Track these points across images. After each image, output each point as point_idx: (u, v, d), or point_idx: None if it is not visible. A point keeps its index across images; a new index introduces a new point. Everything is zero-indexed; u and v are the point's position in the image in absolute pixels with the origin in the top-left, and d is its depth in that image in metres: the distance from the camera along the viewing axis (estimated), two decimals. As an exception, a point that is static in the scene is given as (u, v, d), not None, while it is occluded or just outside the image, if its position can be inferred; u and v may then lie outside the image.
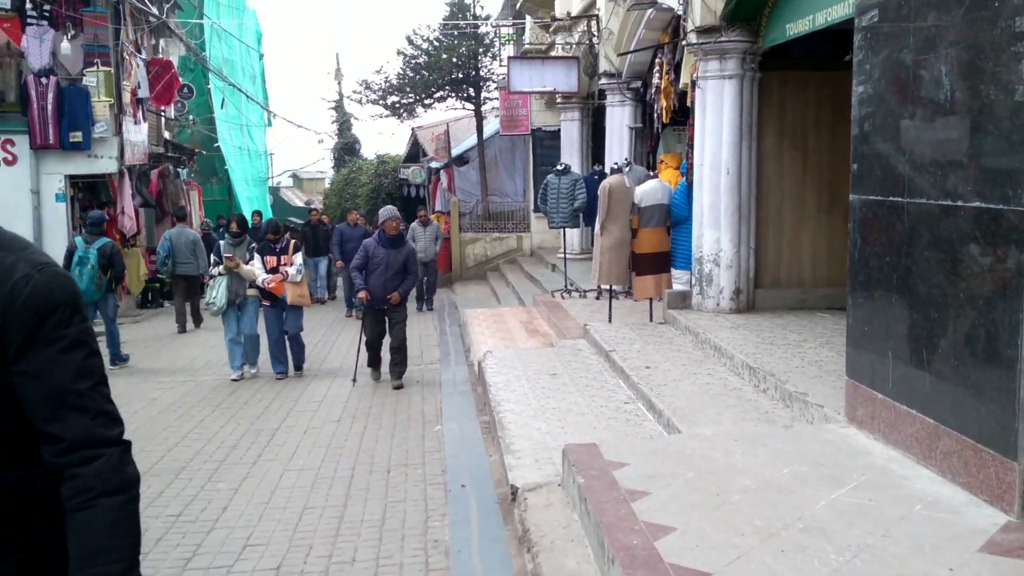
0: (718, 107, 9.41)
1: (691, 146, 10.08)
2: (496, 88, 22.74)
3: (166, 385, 10.20)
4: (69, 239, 16.41)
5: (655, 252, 10.03)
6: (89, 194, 17.86)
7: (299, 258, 10.21)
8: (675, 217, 10.19)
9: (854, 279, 5.48)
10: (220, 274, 10.20)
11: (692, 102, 9.94)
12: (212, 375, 10.69)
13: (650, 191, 9.96)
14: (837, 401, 6.01)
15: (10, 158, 16.30)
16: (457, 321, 14.44)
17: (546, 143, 21.44)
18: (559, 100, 18.72)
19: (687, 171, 10.30)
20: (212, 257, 10.51)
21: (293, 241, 10.33)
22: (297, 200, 44.94)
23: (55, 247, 16.33)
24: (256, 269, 10.09)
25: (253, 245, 10.35)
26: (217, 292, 10.17)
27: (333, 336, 13.95)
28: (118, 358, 11.48)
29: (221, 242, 10.57)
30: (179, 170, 24.45)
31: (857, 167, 5.42)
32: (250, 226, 19.49)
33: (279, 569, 4.95)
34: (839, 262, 10.04)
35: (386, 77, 24.00)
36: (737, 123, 9.39)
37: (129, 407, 9.11)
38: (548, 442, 6.41)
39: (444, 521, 5.58)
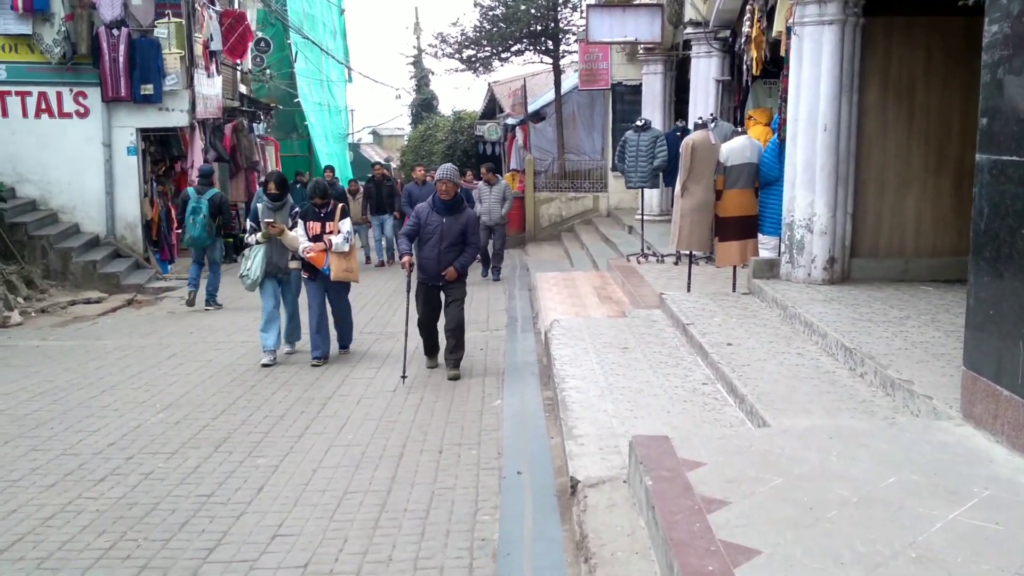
0: (816, 56, 8.50)
1: (784, 100, 9.19)
2: (575, 41, 21.84)
3: (224, 347, 9.83)
4: (140, 192, 16.36)
5: (741, 216, 9.22)
6: (161, 147, 17.70)
7: (347, 225, 8.81)
8: (764, 178, 9.35)
9: (979, 253, 4.67)
10: (258, 242, 8.87)
11: (787, 51, 9.04)
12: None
13: (737, 149, 9.13)
14: (948, 392, 5.24)
15: (82, 110, 16.16)
16: (527, 285, 13.83)
17: (627, 98, 20.53)
18: (641, 52, 17.78)
19: (779, 127, 9.43)
20: (248, 223, 9.08)
21: (341, 206, 8.93)
22: (377, 156, 44.71)
23: (126, 200, 16.30)
24: (299, 236, 8.78)
25: (296, 209, 9.00)
26: (252, 263, 8.85)
27: (393, 307, 12.31)
28: (213, 301, 12.56)
29: (259, 205, 9.08)
30: (255, 124, 24.25)
31: (987, 121, 4.59)
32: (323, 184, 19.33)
33: (306, 567, 4.44)
34: (946, 230, 9.17)
35: (462, 30, 23.31)
36: (837, 74, 8.48)
37: (182, 369, 8.77)
38: (615, 427, 5.77)
39: (495, 515, 5.00)
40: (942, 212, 9.16)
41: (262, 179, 12.23)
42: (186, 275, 16.02)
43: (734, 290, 9.44)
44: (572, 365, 7.32)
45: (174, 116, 16.56)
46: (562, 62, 22.88)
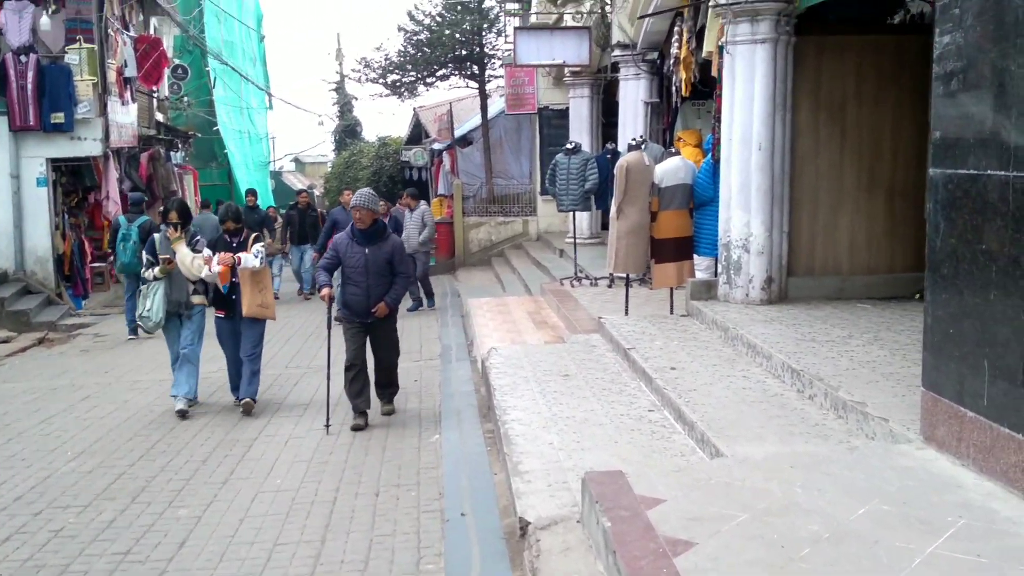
0: (749, 75, 8.42)
1: (718, 120, 9.10)
2: (501, 66, 21.69)
3: (141, 386, 9.28)
4: (51, 225, 15.60)
5: (677, 237, 9.08)
6: (73, 178, 16.94)
7: (260, 248, 7.88)
8: (699, 198, 9.23)
9: (936, 271, 4.53)
10: (155, 278, 7.98)
11: (719, 70, 8.96)
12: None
13: (671, 170, 9.00)
14: (903, 413, 5.10)
15: (-12, 141, 15.36)
16: (460, 311, 13.51)
17: (554, 122, 20.45)
18: (567, 76, 17.72)
19: (713, 147, 9.33)
20: (145, 256, 8.19)
21: (255, 235, 8.01)
22: (299, 184, 43.98)
23: (36, 234, 15.52)
24: (195, 260, 7.80)
25: (198, 238, 8.09)
26: (153, 303, 7.97)
27: (320, 339, 10.60)
28: (134, 332, 12.15)
29: (156, 235, 8.23)
30: (172, 153, 23.53)
31: (940, 135, 4.46)
32: (243, 208, 18.64)
33: (235, 633, 4.04)
34: (879, 248, 9.18)
35: (386, 54, 22.97)
36: (770, 93, 8.41)
37: (95, 412, 8.23)
38: (562, 460, 5.49)
39: (439, 564, 4.66)
40: (875, 230, 9.15)
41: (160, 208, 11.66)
42: (101, 311, 15.44)
43: (671, 312, 9.28)
44: (512, 395, 7.03)
45: (87, 145, 15.88)
46: (488, 87, 22.73)
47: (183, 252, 7.90)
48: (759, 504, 3.91)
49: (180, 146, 24.81)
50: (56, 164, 15.95)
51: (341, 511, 5.48)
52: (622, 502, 3.99)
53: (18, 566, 4.83)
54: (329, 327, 7.67)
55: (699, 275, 9.56)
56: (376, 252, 7.38)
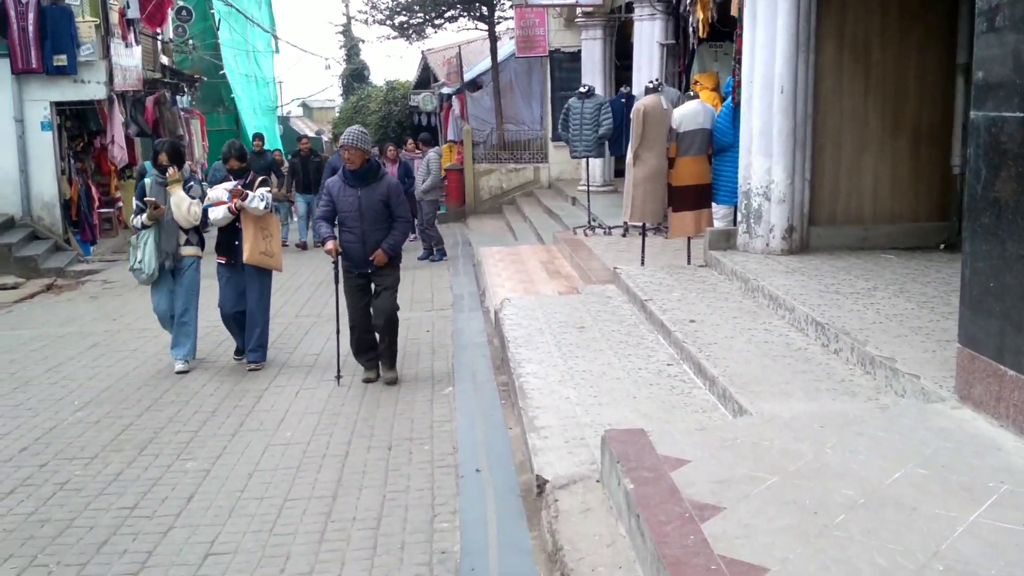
0: (771, 13, 8.09)
1: (738, 61, 8.78)
2: (511, 7, 21.18)
3: (150, 334, 9.13)
4: (57, 170, 15.38)
5: (695, 184, 8.82)
6: (77, 122, 16.66)
7: (266, 192, 7.48)
8: (718, 144, 8.95)
9: (975, 220, 4.29)
10: (144, 225, 7.40)
11: (740, 9, 8.62)
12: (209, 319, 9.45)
13: (690, 114, 8.70)
14: (935, 370, 4.90)
15: (-10, 84, 15.09)
16: (471, 260, 13.31)
17: (565, 66, 20.03)
18: (580, 17, 17.27)
19: (733, 90, 9.02)
20: (135, 202, 7.60)
21: (261, 178, 7.61)
22: (307, 130, 43.59)
23: (42, 179, 15.32)
24: (191, 206, 7.42)
25: (191, 184, 7.66)
26: (144, 253, 7.40)
27: (325, 296, 10.55)
28: None
29: (147, 180, 7.64)
30: (178, 97, 23.20)
31: (983, 75, 4.19)
32: (249, 152, 18.20)
33: (245, 593, 3.92)
34: (903, 195, 8.90)
35: (394, -5, 22.48)
36: (793, 32, 8.09)
37: (103, 360, 8.10)
38: (580, 416, 5.33)
39: (454, 521, 4.52)
40: (900, 176, 8.87)
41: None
42: (110, 257, 15.30)
43: (689, 262, 9.06)
44: (527, 347, 6.86)
45: (90, 88, 15.59)
46: (498, 29, 22.22)
47: (179, 195, 7.43)
48: (789, 466, 3.74)
49: (186, 90, 24.46)
50: (60, 108, 15.68)
51: (353, 465, 5.35)
52: (645, 462, 3.83)
53: (22, 520, 4.72)
54: (337, 280, 7.27)
55: (717, 224, 9.32)
56: (370, 194, 6.91)
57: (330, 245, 6.99)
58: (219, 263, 7.68)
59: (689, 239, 9.12)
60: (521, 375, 6.18)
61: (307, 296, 11.00)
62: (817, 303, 6.53)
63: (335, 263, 7.13)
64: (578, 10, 16.85)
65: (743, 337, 6.29)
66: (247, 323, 7.63)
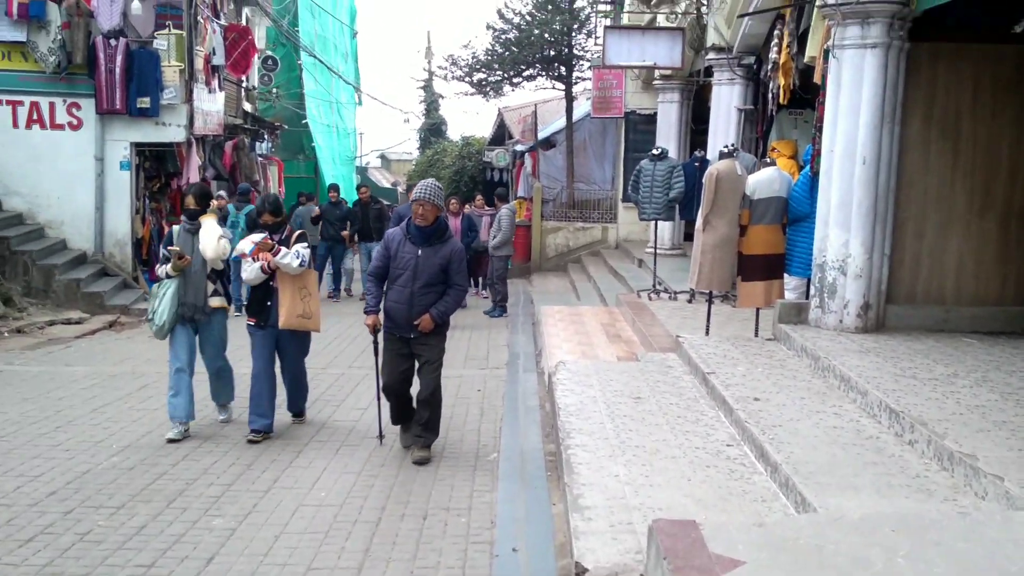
0: (856, 82, 7.75)
1: (819, 129, 8.44)
2: (589, 67, 21.17)
3: (201, 376, 8.97)
4: (132, 209, 15.64)
5: (767, 254, 8.43)
6: (156, 163, 16.97)
7: (303, 248, 6.94)
8: (794, 213, 8.57)
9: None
10: (168, 276, 6.90)
11: (823, 76, 8.29)
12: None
13: (765, 181, 8.36)
14: (1021, 471, 4.43)
15: (75, 122, 15.51)
16: (531, 318, 13.04)
17: (640, 127, 19.88)
18: (657, 80, 17.10)
19: (812, 159, 8.67)
20: (162, 250, 7.14)
21: (299, 232, 7.11)
22: (384, 181, 44.20)
23: (117, 217, 15.59)
24: (221, 240, 6.97)
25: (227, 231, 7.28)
26: (160, 303, 6.87)
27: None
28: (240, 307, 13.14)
29: (175, 227, 7.18)
30: (258, 143, 23.63)
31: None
32: (325, 204, 18.37)
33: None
34: (989, 276, 8.41)
35: (474, 52, 22.62)
36: (879, 102, 7.72)
37: (150, 403, 7.99)
38: (628, 497, 4.96)
39: (484, 608, 4.19)
40: (986, 257, 8.38)
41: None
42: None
43: (756, 335, 8.64)
44: (579, 417, 6.51)
45: (171, 131, 15.87)
46: (575, 89, 22.19)
47: (210, 226, 6.95)
48: (856, 575, 3.33)
49: (266, 137, 24.92)
50: (140, 148, 15.99)
51: (384, 534, 5.05)
52: (694, 561, 3.45)
53: (35, 572, 4.52)
54: (376, 353, 6.79)
55: (788, 296, 8.91)
56: (430, 255, 6.38)
57: (370, 320, 6.50)
58: (249, 324, 7.12)
59: (758, 310, 8.71)
60: (569, 447, 5.84)
61: (362, 347, 10.81)
62: (892, 388, 6.07)
63: (375, 340, 6.72)
64: (656, 72, 16.67)
65: (810, 420, 5.86)
66: (288, 387, 7.29)
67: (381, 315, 6.53)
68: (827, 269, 8.03)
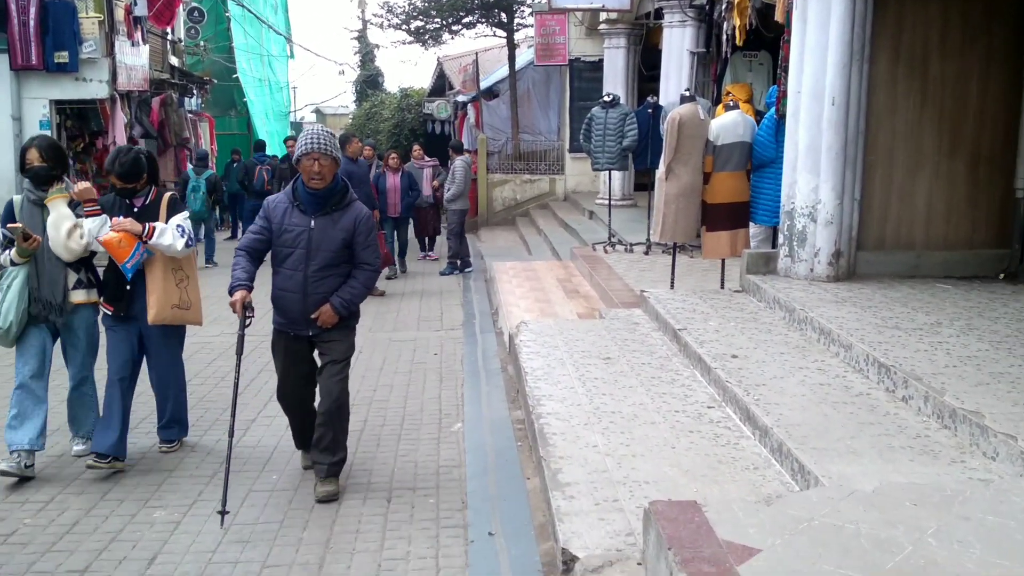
0: (824, 18, 7.35)
1: (784, 69, 8.05)
2: (530, 14, 20.51)
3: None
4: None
5: (732, 202, 8.07)
6: (79, 122, 16.04)
7: (183, 221, 5.37)
8: (759, 159, 8.20)
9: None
10: (12, 263, 5.20)
11: (788, 13, 7.88)
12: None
13: (729, 125, 7.96)
14: (1035, 430, 4.14)
15: (-12, 80, 14.49)
16: (483, 275, 12.58)
17: (585, 75, 19.38)
18: (603, 25, 16.59)
19: (777, 101, 8.28)
20: (0, 232, 5.26)
21: (169, 195, 5.46)
22: (319, 136, 42.96)
23: (38, 180, 14.68)
24: (77, 229, 5.21)
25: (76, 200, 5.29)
26: (5, 300, 5.17)
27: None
28: (211, 260, 14.25)
29: (15, 198, 5.33)
30: (186, 99, 22.59)
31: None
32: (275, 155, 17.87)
33: None
34: (960, 220, 8.17)
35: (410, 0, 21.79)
36: (848, 39, 7.34)
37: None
38: (611, 470, 4.57)
39: (463, 604, 3.77)
40: (956, 199, 8.12)
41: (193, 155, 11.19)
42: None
43: (723, 287, 8.31)
44: (547, 381, 6.10)
45: (92, 87, 14.99)
46: (517, 36, 21.53)
47: (60, 212, 5.19)
48: (886, 562, 2.98)
49: (196, 92, 23.85)
50: (60, 106, 15.08)
51: (346, 522, 4.60)
52: (703, 551, 3.07)
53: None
54: (239, 352, 4.84)
55: (755, 245, 8.58)
56: (327, 226, 4.88)
57: (236, 297, 4.76)
58: (105, 315, 5.45)
59: (723, 261, 8.36)
60: (541, 415, 5.43)
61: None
62: (877, 340, 5.77)
63: (241, 329, 4.84)
64: (602, 16, 16.16)
65: (794, 378, 5.53)
66: (156, 393, 5.67)
67: (249, 294, 4.84)
68: (796, 216, 7.69)
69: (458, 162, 13.58)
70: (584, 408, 5.54)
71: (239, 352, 4.83)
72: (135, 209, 5.35)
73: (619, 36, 16.25)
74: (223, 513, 4.51)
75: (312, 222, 4.89)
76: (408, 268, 13.40)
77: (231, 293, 4.79)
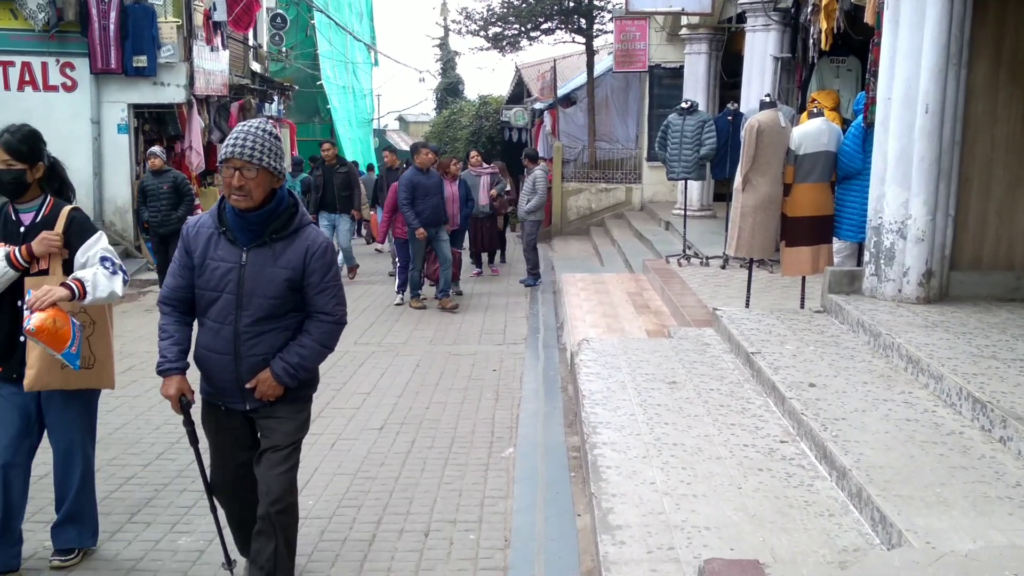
0: (918, 20, 6.79)
1: (874, 75, 7.48)
2: (611, 19, 20.09)
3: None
4: (132, 174, 14.91)
5: (814, 216, 7.52)
6: (156, 126, 16.19)
7: (104, 249, 3.96)
8: (844, 170, 7.64)
9: None
10: None
11: (878, 14, 7.33)
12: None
13: (813, 133, 7.43)
14: None
15: (70, 83, 14.77)
16: (552, 286, 12.19)
17: (665, 82, 18.87)
18: (684, 30, 16.08)
19: (865, 108, 7.71)
20: None
21: (69, 209, 3.95)
22: (403, 143, 43.25)
23: (116, 183, 14.92)
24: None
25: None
26: None
27: (390, 321, 9.89)
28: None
29: None
30: (267, 105, 22.79)
31: None
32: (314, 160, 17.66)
33: None
34: (1066, 238, 7.44)
35: (489, 5, 21.57)
36: (944, 42, 6.76)
37: (132, 389, 7.25)
38: (668, 513, 4.14)
39: (493, 663, 3.40)
40: (1062, 216, 7.44)
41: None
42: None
43: (803, 306, 7.77)
44: (605, 407, 5.69)
45: (169, 91, 15.12)
46: (595, 42, 21.12)
47: None
48: (982, 651, 2.51)
49: (276, 98, 24.06)
50: (138, 110, 15.25)
51: (376, 559, 4.26)
52: (763, 626, 2.64)
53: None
54: (194, 443, 3.85)
55: (838, 262, 8.01)
56: (264, 262, 3.58)
57: (171, 391, 3.63)
58: None
59: (804, 279, 7.82)
60: (595, 445, 5.02)
61: (371, 320, 10.02)
62: (971, 372, 5.20)
63: (187, 422, 3.77)
64: (683, 21, 15.65)
65: (878, 411, 5.01)
66: (56, 480, 4.19)
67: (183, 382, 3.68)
68: (884, 232, 7.12)
69: (538, 171, 13.21)
70: (643, 439, 5.11)
71: (194, 444, 3.81)
72: (21, 228, 3.91)
73: (700, 41, 15.73)
74: (230, 567, 3.92)
75: (243, 256, 3.56)
76: (463, 290, 12.05)
77: (163, 376, 3.62)
